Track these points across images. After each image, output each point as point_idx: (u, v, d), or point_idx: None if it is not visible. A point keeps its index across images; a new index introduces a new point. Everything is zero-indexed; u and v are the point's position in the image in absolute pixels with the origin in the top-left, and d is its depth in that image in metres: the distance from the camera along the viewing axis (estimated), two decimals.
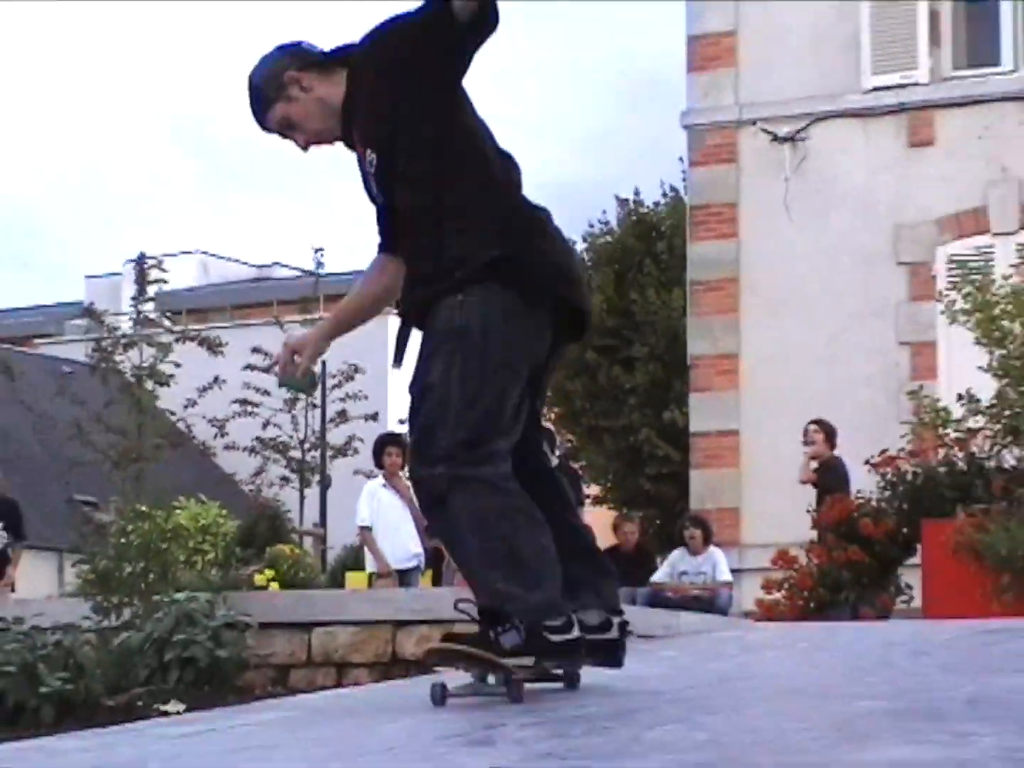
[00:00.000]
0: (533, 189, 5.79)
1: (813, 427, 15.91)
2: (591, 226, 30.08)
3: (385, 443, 16.66)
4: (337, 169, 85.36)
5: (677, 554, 17.33)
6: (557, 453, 17.71)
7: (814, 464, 15.71)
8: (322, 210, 78.98)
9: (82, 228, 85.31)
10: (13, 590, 18.05)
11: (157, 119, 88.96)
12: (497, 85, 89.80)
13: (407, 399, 5.93)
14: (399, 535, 15.82)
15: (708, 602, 15.81)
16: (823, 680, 7.47)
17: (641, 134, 76.38)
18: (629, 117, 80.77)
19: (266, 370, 25.02)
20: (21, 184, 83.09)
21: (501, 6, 5.41)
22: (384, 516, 15.90)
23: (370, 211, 5.91)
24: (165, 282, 23.70)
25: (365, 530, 16.13)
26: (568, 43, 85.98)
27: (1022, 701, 6.12)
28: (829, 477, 15.17)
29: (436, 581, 15.76)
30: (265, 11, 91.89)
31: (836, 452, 15.63)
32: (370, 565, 16.14)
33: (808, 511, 14.86)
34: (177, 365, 20.30)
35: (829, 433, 15.83)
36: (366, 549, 16.35)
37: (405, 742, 6.30)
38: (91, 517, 21.51)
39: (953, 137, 19.40)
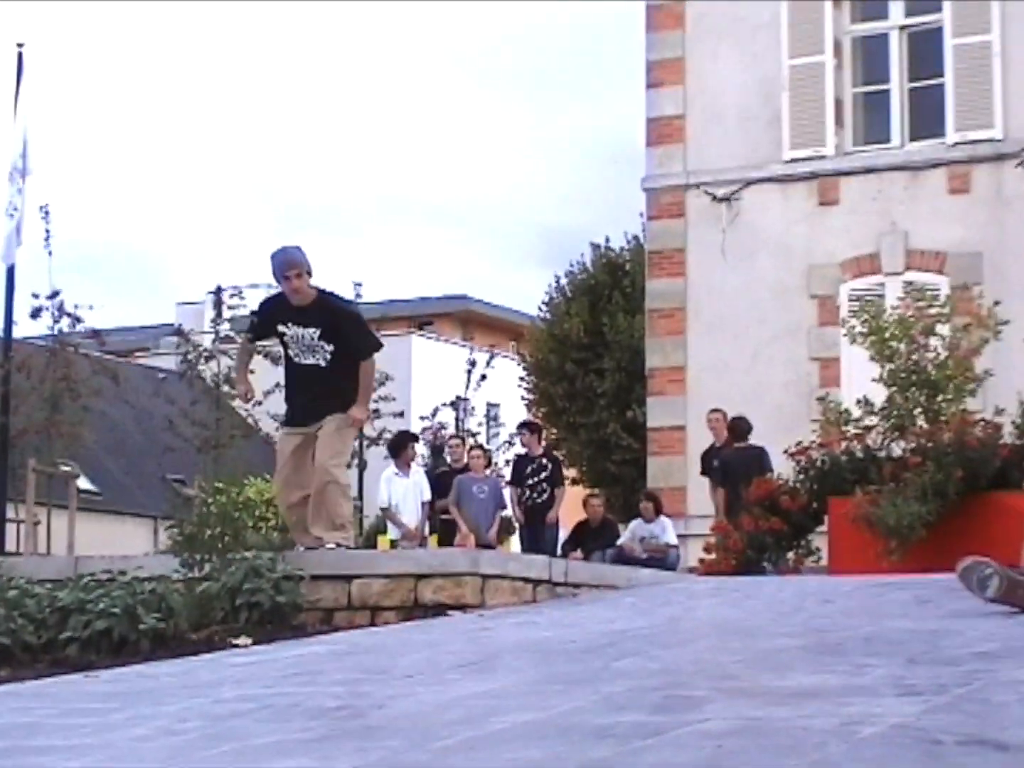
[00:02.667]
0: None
1: (714, 415, 16.14)
2: (571, 265, 30.07)
3: (407, 439, 16.79)
4: (374, 220, 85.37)
5: (635, 522, 17.31)
6: (543, 444, 17.69)
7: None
8: (359, 253, 78.89)
9: (174, 261, 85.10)
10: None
11: (247, 183, 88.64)
12: (517, 153, 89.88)
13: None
14: (413, 508, 15.94)
15: (660, 560, 15.77)
16: (750, 622, 7.44)
17: (610, 194, 76.33)
18: (601, 181, 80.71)
19: None
20: (127, 218, 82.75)
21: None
22: (402, 497, 15.98)
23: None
24: (245, 306, 23.49)
25: (385, 510, 16.29)
26: (556, 123, 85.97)
27: (906, 639, 6.10)
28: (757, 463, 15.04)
29: (443, 543, 15.75)
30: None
31: (760, 443, 15.57)
32: (392, 534, 16.15)
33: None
34: (251, 371, 20.22)
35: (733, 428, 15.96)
36: (388, 522, 16.43)
37: (423, 668, 6.27)
38: (180, 492, 21.44)
39: (853, 198, 19.36)
